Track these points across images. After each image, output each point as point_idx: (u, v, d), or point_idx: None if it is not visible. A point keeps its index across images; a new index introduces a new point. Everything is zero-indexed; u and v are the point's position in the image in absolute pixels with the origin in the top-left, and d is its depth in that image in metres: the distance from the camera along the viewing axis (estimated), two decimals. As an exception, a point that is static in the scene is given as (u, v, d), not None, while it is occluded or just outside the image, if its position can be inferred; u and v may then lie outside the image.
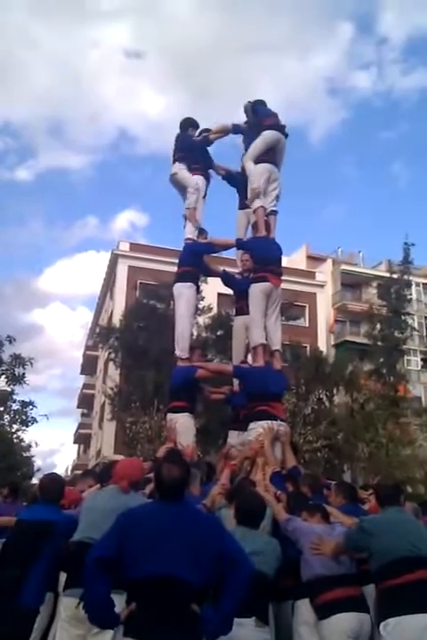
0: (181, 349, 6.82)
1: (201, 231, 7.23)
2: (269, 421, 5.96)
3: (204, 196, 7.46)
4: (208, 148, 7.73)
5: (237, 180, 7.71)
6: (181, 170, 7.38)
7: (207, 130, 7.69)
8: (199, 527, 2.68)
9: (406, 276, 26.26)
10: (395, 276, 26.26)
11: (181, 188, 7.44)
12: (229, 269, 7.87)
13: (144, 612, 2.46)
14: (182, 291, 7.00)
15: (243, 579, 2.60)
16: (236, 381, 6.97)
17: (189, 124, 7.68)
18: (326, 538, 3.84)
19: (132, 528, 2.62)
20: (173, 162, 7.49)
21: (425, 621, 3.17)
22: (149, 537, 2.57)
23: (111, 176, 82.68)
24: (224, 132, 7.69)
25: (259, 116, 7.35)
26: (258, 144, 7.06)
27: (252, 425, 6.07)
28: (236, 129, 7.63)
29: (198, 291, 7.36)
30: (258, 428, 5.94)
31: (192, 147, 7.49)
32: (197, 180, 7.32)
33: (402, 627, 3.16)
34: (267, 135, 7.05)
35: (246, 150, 7.47)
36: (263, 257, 6.68)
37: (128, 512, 2.76)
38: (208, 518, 3.01)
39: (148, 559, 2.52)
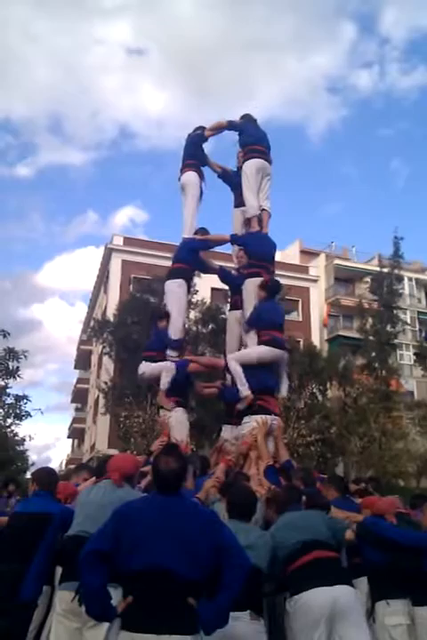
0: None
1: (201, 229, 7.29)
2: (264, 416, 6.02)
3: (200, 196, 7.49)
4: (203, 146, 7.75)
5: (233, 179, 7.75)
6: (148, 367, 6.74)
7: (202, 128, 7.72)
8: (196, 520, 2.68)
9: (396, 271, 26.27)
10: (385, 270, 26.32)
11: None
12: (224, 265, 7.90)
13: (140, 605, 2.48)
14: (172, 288, 7.06)
15: (240, 573, 2.61)
16: (228, 376, 7.00)
17: (159, 316, 7.09)
18: None
19: (129, 521, 2.63)
20: (143, 357, 6.95)
21: (324, 594, 3.41)
22: (145, 530, 2.58)
23: (111, 172, 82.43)
24: (219, 128, 7.72)
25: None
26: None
27: (246, 419, 6.13)
28: (231, 125, 7.65)
29: (190, 287, 7.31)
30: (252, 422, 6.00)
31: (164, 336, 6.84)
32: (168, 365, 6.64)
33: (303, 601, 3.44)
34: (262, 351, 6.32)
35: (242, 147, 7.44)
36: (258, 252, 6.78)
37: (125, 505, 2.77)
38: (205, 511, 3.01)
39: (143, 552, 2.53)
